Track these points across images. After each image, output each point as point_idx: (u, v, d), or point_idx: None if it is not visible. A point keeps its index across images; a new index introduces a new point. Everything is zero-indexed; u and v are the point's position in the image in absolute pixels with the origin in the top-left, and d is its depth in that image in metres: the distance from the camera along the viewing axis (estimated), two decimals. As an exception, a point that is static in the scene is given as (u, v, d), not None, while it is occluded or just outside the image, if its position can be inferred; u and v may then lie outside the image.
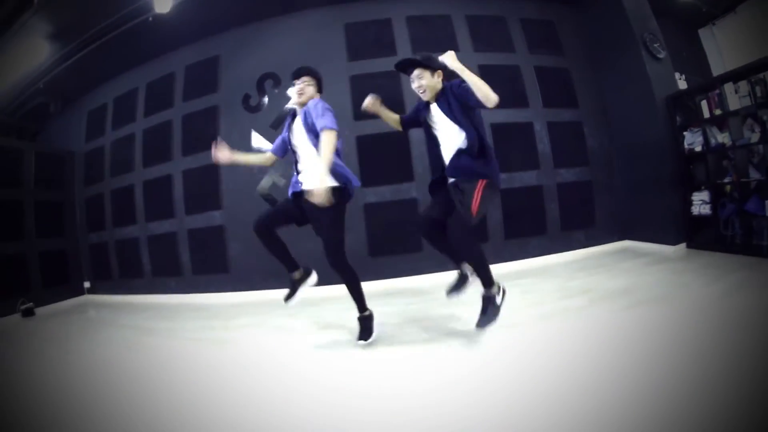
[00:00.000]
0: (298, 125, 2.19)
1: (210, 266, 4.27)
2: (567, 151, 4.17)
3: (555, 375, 1.61)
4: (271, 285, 3.82)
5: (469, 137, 1.93)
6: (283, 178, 3.96)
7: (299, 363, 2.13)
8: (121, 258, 4.84)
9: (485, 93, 1.74)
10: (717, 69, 5.41)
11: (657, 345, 1.75)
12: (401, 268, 3.84)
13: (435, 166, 2.18)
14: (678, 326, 1.94)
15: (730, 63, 5.16)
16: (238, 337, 2.77)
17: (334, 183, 2.07)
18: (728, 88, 3.35)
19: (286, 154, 2.33)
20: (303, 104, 2.17)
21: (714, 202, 3.51)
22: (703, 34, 5.78)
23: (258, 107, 4.15)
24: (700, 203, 3.62)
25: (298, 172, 2.22)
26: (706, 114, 3.53)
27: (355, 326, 2.32)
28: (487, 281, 1.97)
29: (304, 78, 2.20)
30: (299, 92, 2.18)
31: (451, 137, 2.01)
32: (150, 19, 3.95)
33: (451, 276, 2.32)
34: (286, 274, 2.32)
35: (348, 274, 2.19)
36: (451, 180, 2.06)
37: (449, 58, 1.85)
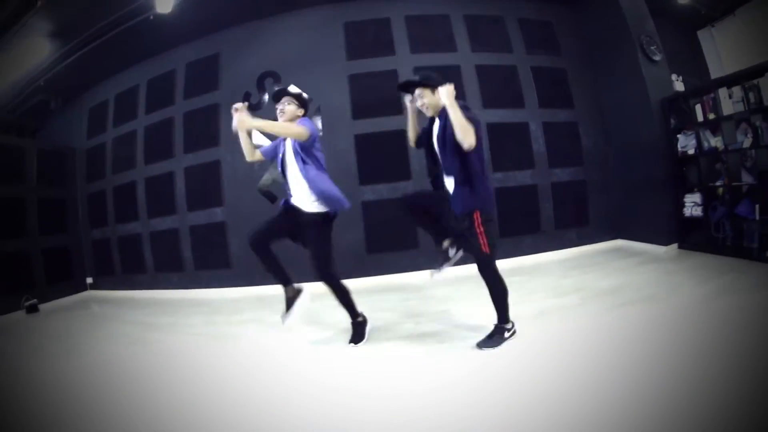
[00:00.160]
0: (289, 147, 2.23)
1: (212, 262, 4.34)
2: (562, 151, 4.23)
3: (545, 372, 1.67)
4: (272, 281, 3.87)
5: (455, 167, 1.97)
6: None
7: (298, 360, 2.20)
8: (123, 254, 4.91)
9: (463, 135, 1.78)
10: (715, 71, 5.43)
11: (646, 344, 1.82)
12: (398, 264, 3.92)
13: (434, 179, 2.22)
14: (666, 326, 2.01)
15: (729, 65, 5.20)
16: (240, 332, 2.84)
17: (321, 209, 2.17)
18: (722, 92, 3.40)
19: (273, 159, 2.36)
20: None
21: (705, 204, 3.57)
22: (702, 35, 5.79)
23: (259, 105, 4.20)
24: (692, 205, 3.69)
25: (289, 191, 2.29)
26: (700, 117, 3.58)
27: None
28: (503, 318, 2.05)
29: (284, 99, 2.25)
30: (280, 113, 2.22)
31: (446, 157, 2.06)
32: (151, 17, 3.98)
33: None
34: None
35: (336, 286, 2.26)
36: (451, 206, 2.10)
37: (444, 93, 1.84)
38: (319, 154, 2.21)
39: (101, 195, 5.06)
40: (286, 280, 2.32)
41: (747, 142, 3.24)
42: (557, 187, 4.18)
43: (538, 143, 4.16)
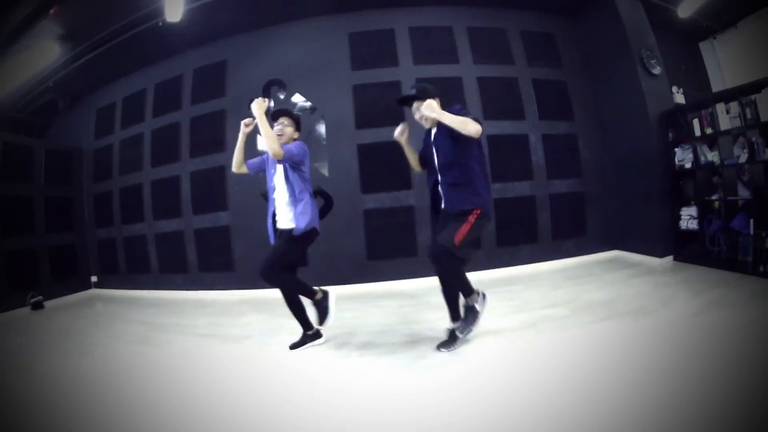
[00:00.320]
0: (279, 171, 2.31)
1: (216, 264, 4.43)
2: (561, 162, 4.29)
3: (531, 383, 1.73)
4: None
5: (456, 170, 2.03)
6: None
7: (298, 362, 2.27)
8: (128, 254, 4.99)
9: (463, 127, 1.83)
10: (716, 83, 5.45)
11: (630, 357, 1.87)
12: (397, 271, 3.99)
13: (432, 192, 2.25)
14: (653, 339, 2.06)
15: (730, 78, 5.23)
16: (246, 334, 2.90)
17: (315, 226, 2.29)
18: (720, 107, 3.45)
19: (256, 174, 2.45)
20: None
21: (701, 217, 3.63)
22: (704, 47, 5.81)
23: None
24: (688, 218, 3.74)
25: (275, 215, 2.37)
26: (698, 132, 3.64)
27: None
28: (467, 292, 2.10)
29: (282, 119, 2.33)
30: (279, 133, 2.30)
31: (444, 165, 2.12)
32: (160, 23, 4.06)
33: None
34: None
35: (279, 286, 2.32)
36: (444, 208, 2.16)
37: (428, 109, 1.91)
38: (305, 174, 2.29)
39: (108, 195, 5.14)
40: (311, 293, 2.39)
41: (743, 157, 3.29)
42: (555, 198, 4.25)
43: (537, 155, 4.22)
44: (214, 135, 4.33)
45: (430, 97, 1.99)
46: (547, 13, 4.52)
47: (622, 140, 4.25)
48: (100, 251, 5.27)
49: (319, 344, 2.44)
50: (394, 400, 1.71)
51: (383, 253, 4.05)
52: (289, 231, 2.27)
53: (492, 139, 4.09)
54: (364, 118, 4.08)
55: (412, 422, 1.51)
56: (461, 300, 2.23)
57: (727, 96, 3.40)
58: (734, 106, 3.34)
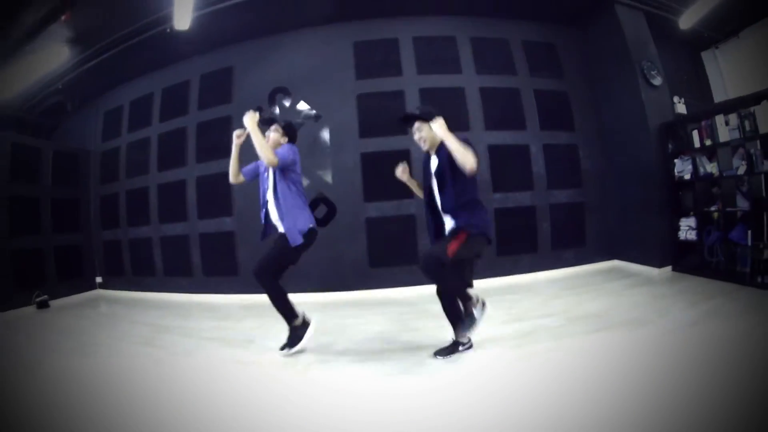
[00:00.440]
0: (271, 175, 2.39)
1: (220, 268, 4.49)
2: (561, 173, 4.34)
3: (519, 391, 1.78)
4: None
5: (452, 195, 2.05)
6: None
7: (300, 365, 2.32)
8: (134, 256, 5.06)
9: (462, 161, 1.88)
10: (719, 92, 5.48)
11: (623, 368, 1.91)
12: (398, 278, 4.03)
13: (429, 221, 2.25)
14: (646, 350, 2.09)
15: (733, 87, 5.26)
16: (248, 338, 2.95)
17: (311, 225, 2.37)
18: (719, 119, 3.49)
19: (253, 179, 2.54)
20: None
21: (700, 228, 3.66)
22: (706, 56, 5.83)
23: (271, 120, 4.32)
24: (687, 229, 3.78)
25: (267, 219, 2.44)
26: (697, 143, 3.67)
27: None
28: (465, 298, 2.14)
29: (273, 126, 2.46)
30: (266, 138, 2.38)
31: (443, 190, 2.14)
32: (168, 30, 4.13)
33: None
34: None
35: (270, 291, 2.36)
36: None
37: (436, 126, 1.97)
38: (295, 178, 2.37)
39: (114, 197, 5.22)
40: (292, 316, 2.42)
41: (742, 169, 3.32)
42: (555, 209, 4.29)
43: (538, 165, 4.27)
44: (221, 141, 4.38)
45: (432, 119, 2.03)
46: (549, 24, 4.57)
47: (623, 151, 4.29)
48: (105, 253, 5.34)
49: (310, 335, 2.45)
50: (391, 403, 1.78)
51: (385, 261, 4.10)
52: (285, 238, 2.33)
53: (493, 150, 4.15)
54: (368, 127, 4.14)
55: (410, 424, 1.57)
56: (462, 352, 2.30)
57: (726, 108, 3.44)
58: (733, 118, 3.38)
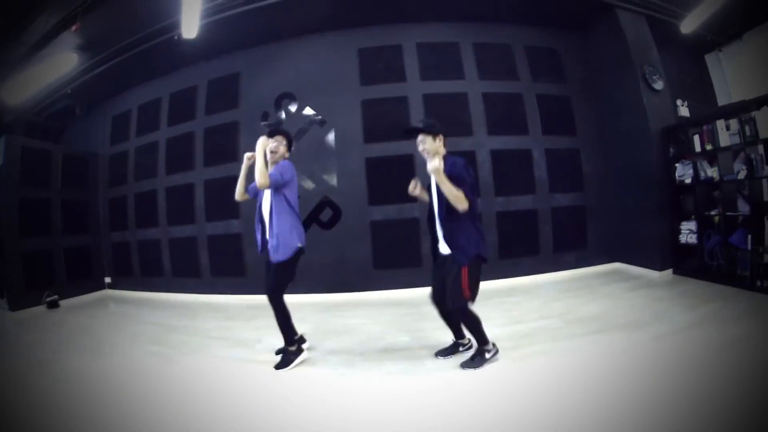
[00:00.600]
0: (267, 196, 2.45)
1: (228, 269, 4.57)
2: (563, 177, 4.38)
3: (516, 392, 1.85)
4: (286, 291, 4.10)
5: (449, 223, 2.10)
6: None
7: (303, 366, 2.40)
8: (142, 257, 5.15)
9: (455, 203, 1.97)
10: (722, 95, 5.48)
11: (616, 371, 1.96)
12: (402, 280, 4.09)
13: (431, 231, 2.31)
14: (640, 354, 2.13)
15: (736, 90, 5.27)
16: (255, 338, 3.02)
17: (300, 244, 2.41)
18: (720, 124, 3.52)
19: (255, 197, 2.61)
20: (274, 163, 2.44)
21: (700, 232, 3.70)
22: (710, 59, 5.83)
23: (278, 125, 4.40)
24: (688, 232, 3.81)
25: (264, 240, 2.49)
26: (698, 148, 3.71)
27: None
28: (482, 341, 2.22)
29: (278, 137, 2.49)
30: (272, 150, 2.44)
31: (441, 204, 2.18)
32: (175, 37, 4.20)
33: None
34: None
35: (278, 311, 2.42)
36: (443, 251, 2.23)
37: (432, 169, 1.99)
38: (290, 196, 2.40)
39: (122, 200, 5.31)
40: (291, 341, 2.46)
41: (742, 174, 3.36)
42: (557, 212, 4.34)
43: (540, 169, 4.32)
44: (228, 145, 4.47)
45: (436, 134, 2.11)
46: (551, 29, 4.61)
47: (624, 155, 4.33)
48: (114, 254, 5.43)
49: (304, 359, 2.50)
50: (391, 403, 1.84)
51: (389, 263, 4.17)
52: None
53: (496, 154, 4.20)
54: (372, 133, 4.21)
55: (410, 424, 1.64)
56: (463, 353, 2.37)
57: (727, 112, 3.47)
58: (734, 123, 3.41)
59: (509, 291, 3.83)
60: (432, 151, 2.14)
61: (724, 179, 3.51)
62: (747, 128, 3.31)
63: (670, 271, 3.91)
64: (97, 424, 1.79)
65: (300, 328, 2.59)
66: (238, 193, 2.61)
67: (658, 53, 4.30)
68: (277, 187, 2.35)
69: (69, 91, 5.24)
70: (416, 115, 4.10)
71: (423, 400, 1.85)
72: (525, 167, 4.29)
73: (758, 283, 3.11)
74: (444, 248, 2.16)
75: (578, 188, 4.43)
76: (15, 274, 4.40)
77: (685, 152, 3.84)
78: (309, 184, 4.33)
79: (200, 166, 4.68)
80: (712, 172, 3.65)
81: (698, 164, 3.72)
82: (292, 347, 2.47)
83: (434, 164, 1.97)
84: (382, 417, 1.72)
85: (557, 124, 4.42)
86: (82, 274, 5.22)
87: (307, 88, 4.35)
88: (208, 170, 4.63)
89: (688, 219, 3.86)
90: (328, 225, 4.26)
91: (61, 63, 4.52)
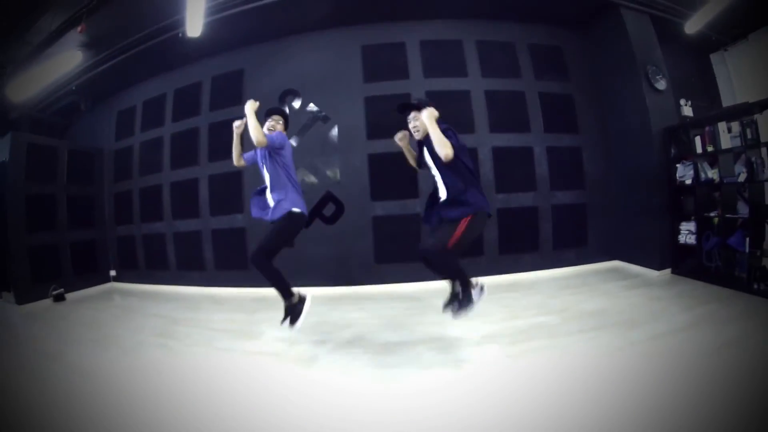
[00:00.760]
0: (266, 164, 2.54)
1: (232, 263, 4.64)
2: (565, 174, 4.40)
3: (511, 387, 1.89)
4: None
5: (448, 180, 2.18)
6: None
7: (306, 358, 2.45)
8: (147, 251, 5.22)
9: (440, 148, 2.03)
10: (727, 95, 5.46)
11: (610, 368, 1.99)
12: (403, 274, 4.15)
13: (430, 198, 2.42)
14: (635, 353, 2.16)
15: (741, 90, 5.25)
16: (258, 330, 3.08)
17: (297, 209, 2.47)
18: (722, 126, 3.53)
19: (252, 164, 2.70)
20: None
21: (699, 233, 3.72)
22: (715, 59, 5.80)
23: (274, 110, 4.43)
24: (687, 233, 3.84)
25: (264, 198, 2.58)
26: (699, 149, 3.72)
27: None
28: (465, 284, 2.24)
29: (275, 116, 2.63)
30: (270, 128, 2.59)
31: (438, 172, 2.27)
32: (180, 34, 4.22)
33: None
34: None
35: (265, 272, 2.44)
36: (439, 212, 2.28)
37: (425, 114, 2.12)
38: (286, 163, 2.50)
39: (128, 195, 5.37)
40: (288, 294, 2.51)
41: (742, 177, 3.37)
42: (558, 209, 4.36)
43: (542, 167, 4.34)
44: (232, 141, 4.49)
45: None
46: (554, 27, 4.60)
47: (626, 154, 4.34)
48: (119, 247, 5.49)
49: (310, 306, 2.53)
50: (391, 403, 1.86)
51: (390, 257, 4.22)
52: (279, 220, 2.46)
53: (497, 151, 4.22)
54: (375, 129, 4.24)
55: (410, 424, 1.67)
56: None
57: (729, 115, 3.48)
58: (735, 125, 3.42)
59: (509, 287, 3.87)
60: (423, 128, 2.20)
61: (725, 181, 3.52)
62: (748, 131, 3.32)
63: (668, 271, 3.94)
64: (103, 415, 1.83)
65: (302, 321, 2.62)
66: (235, 158, 2.69)
67: (661, 53, 4.29)
68: (273, 150, 2.43)
69: (74, 88, 5.29)
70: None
71: (423, 400, 1.86)
72: (527, 164, 4.31)
73: (755, 286, 3.13)
74: (447, 211, 2.17)
75: (579, 186, 4.45)
76: (21, 268, 4.47)
77: (687, 153, 3.85)
78: (312, 179, 4.37)
79: (205, 161, 4.73)
80: (712, 173, 3.66)
81: (699, 165, 3.74)
82: (293, 299, 2.48)
83: (431, 109, 2.07)
84: (381, 417, 1.73)
85: (559, 122, 4.43)
86: (88, 267, 5.28)
87: (310, 85, 4.39)
88: (213, 165, 4.68)
89: (687, 220, 3.88)
90: (331, 220, 4.32)
91: (67, 60, 4.56)
